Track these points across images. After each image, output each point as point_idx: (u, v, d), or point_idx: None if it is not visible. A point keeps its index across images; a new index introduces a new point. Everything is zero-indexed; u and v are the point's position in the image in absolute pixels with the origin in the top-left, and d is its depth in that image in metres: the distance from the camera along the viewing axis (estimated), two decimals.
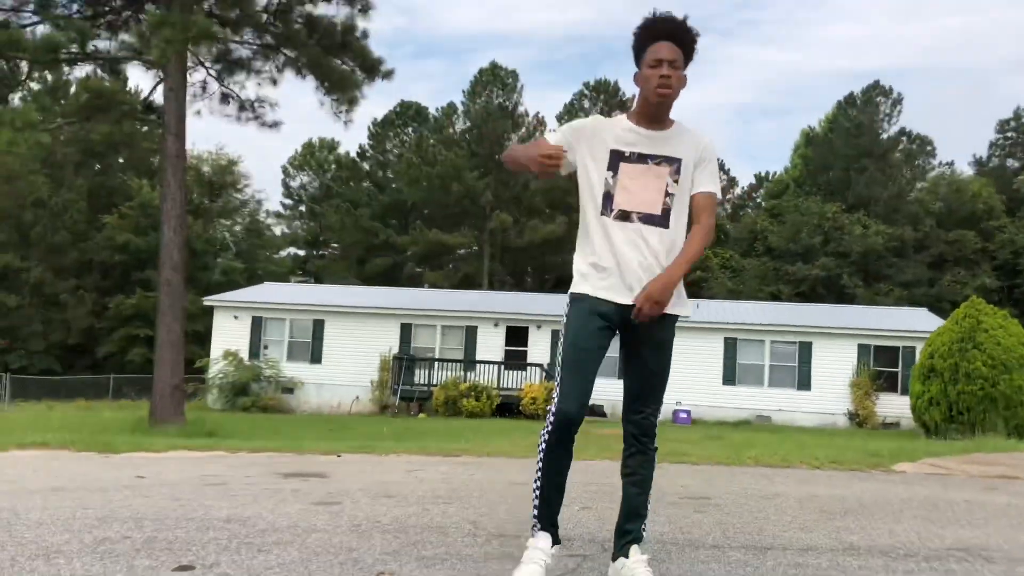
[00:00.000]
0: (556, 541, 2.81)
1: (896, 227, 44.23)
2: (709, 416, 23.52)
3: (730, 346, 24.75)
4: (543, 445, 2.79)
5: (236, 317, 26.80)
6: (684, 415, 23.38)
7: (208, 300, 28.28)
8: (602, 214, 2.81)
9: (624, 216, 2.79)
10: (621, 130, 2.86)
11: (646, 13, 2.88)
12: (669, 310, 2.80)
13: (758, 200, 56.70)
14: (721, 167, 55.18)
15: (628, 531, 2.83)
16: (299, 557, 3.13)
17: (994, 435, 15.06)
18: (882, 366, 23.99)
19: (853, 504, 5.08)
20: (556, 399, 2.75)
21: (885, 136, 49.99)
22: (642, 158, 2.81)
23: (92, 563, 2.98)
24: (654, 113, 2.85)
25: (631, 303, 2.74)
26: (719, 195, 2.93)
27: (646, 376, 2.86)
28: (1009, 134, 53.65)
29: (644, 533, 2.85)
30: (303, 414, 24.44)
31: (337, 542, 3.42)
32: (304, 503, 4.44)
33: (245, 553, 3.18)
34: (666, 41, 2.79)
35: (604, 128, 2.87)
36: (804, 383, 24.28)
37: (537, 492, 2.80)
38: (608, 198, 2.81)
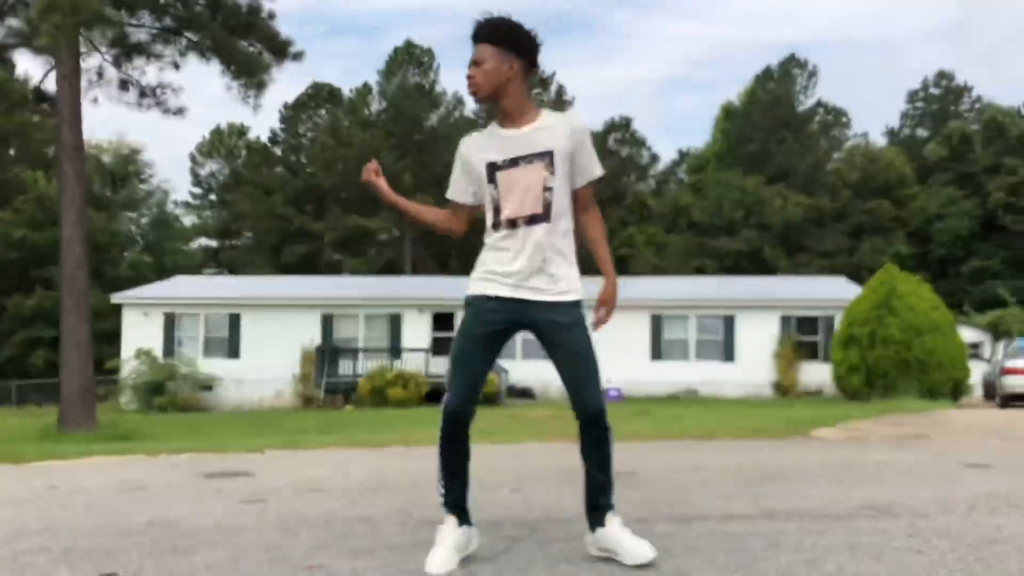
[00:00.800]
0: (464, 522, 2.93)
1: (815, 198, 45.38)
2: (639, 392, 23.63)
3: (656, 322, 24.90)
4: (439, 439, 2.92)
5: (146, 314, 25.77)
6: (614, 393, 23.42)
7: (116, 297, 27.09)
8: (494, 229, 2.90)
9: (512, 224, 2.87)
10: (489, 138, 2.93)
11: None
12: (561, 298, 2.88)
13: (680, 175, 57.46)
14: (642, 143, 55.80)
15: (599, 504, 2.93)
16: (226, 556, 3.08)
17: (909, 397, 15.51)
18: (804, 335, 24.46)
19: (773, 472, 5.12)
20: (445, 398, 2.88)
21: (802, 109, 51.15)
22: (513, 162, 2.86)
23: None
24: (503, 112, 2.91)
25: (531, 299, 2.86)
26: (599, 172, 2.96)
27: (571, 360, 2.89)
28: (918, 104, 55.62)
29: (613, 501, 2.94)
30: (223, 412, 23.68)
31: (265, 539, 3.39)
32: (229, 502, 4.34)
33: (170, 557, 3.11)
34: (475, 43, 2.90)
35: (472, 145, 2.96)
36: (729, 355, 24.60)
37: (440, 481, 2.96)
38: (497, 211, 2.89)
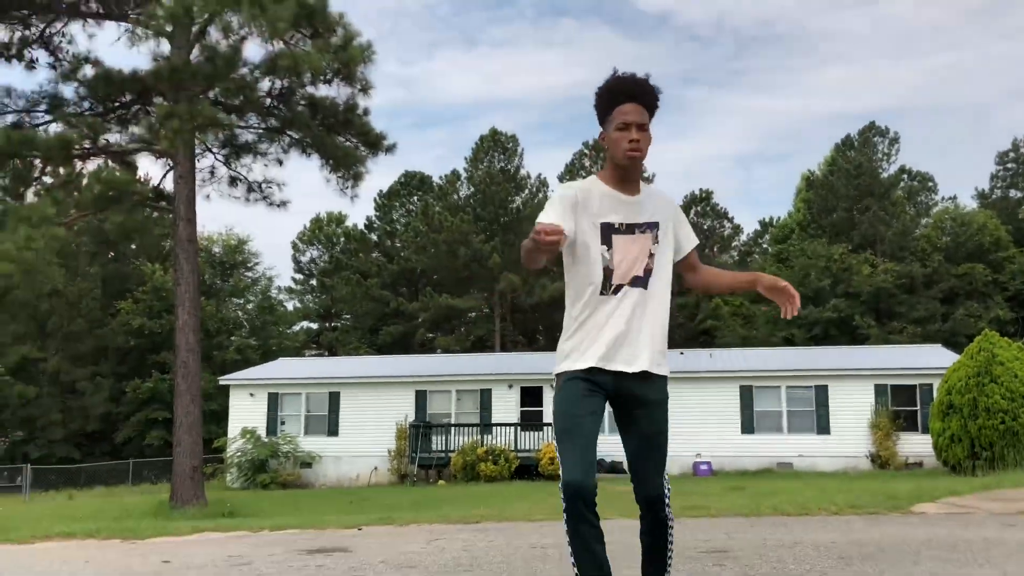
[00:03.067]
0: None
1: (904, 264, 44.30)
2: (730, 466, 23.32)
3: (746, 394, 24.63)
4: (566, 526, 2.67)
5: (252, 394, 26.93)
6: (704, 467, 23.20)
7: (224, 379, 28.47)
8: (602, 293, 2.79)
9: (618, 290, 2.79)
10: (602, 197, 2.81)
11: (608, 74, 2.85)
12: (655, 370, 2.80)
13: (764, 246, 56.92)
14: (724, 215, 55.86)
15: None
16: None
17: (1016, 470, 14.91)
18: (900, 405, 23.80)
19: (872, 549, 5.10)
20: (561, 474, 2.67)
21: (885, 175, 50.39)
22: (630, 228, 2.81)
23: None
24: (626, 175, 2.83)
25: (623, 370, 2.76)
26: (696, 239, 3.07)
27: (642, 440, 2.81)
28: (1009, 165, 54.03)
29: None
30: (323, 488, 24.35)
31: None
32: None
33: None
34: (631, 102, 2.77)
35: (589, 198, 2.81)
36: (823, 427, 24.08)
37: (576, 573, 2.70)
38: (608, 274, 2.79)
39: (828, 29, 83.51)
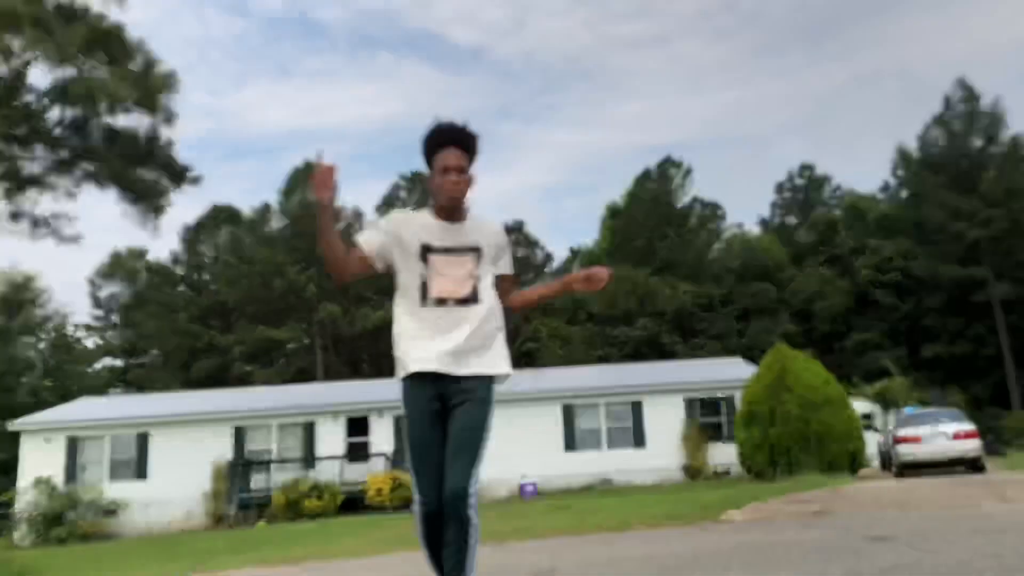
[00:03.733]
0: None
1: (702, 286, 47.75)
2: (554, 485, 23.84)
3: (568, 412, 25.33)
4: (420, 539, 3.00)
5: (48, 440, 24.65)
6: (530, 488, 23.61)
7: (13, 425, 25.84)
8: (422, 306, 3.06)
9: (441, 302, 3.06)
10: (426, 224, 3.13)
11: (430, 122, 3.14)
12: (487, 370, 3.03)
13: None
14: (535, 243, 58.02)
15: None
16: None
17: (810, 472, 16.22)
18: (708, 416, 25.23)
19: (687, 560, 5.39)
20: (415, 496, 2.96)
21: (680, 205, 54.53)
22: (448, 251, 3.10)
23: None
24: (450, 214, 3.15)
25: (456, 373, 2.99)
26: (512, 270, 3.32)
27: (455, 432, 2.93)
28: (786, 194, 59.81)
29: None
30: (130, 538, 22.64)
31: None
32: None
33: None
34: (451, 148, 3.08)
35: (410, 223, 3.12)
36: (639, 441, 25.12)
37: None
38: (424, 288, 3.07)
39: (628, 66, 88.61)
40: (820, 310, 47.49)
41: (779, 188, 59.93)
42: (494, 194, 78.36)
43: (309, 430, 25.12)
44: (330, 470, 23.42)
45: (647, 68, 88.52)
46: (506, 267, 3.25)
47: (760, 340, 43.78)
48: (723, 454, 23.82)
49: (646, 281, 47.45)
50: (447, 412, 2.98)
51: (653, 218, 52.11)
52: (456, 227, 3.13)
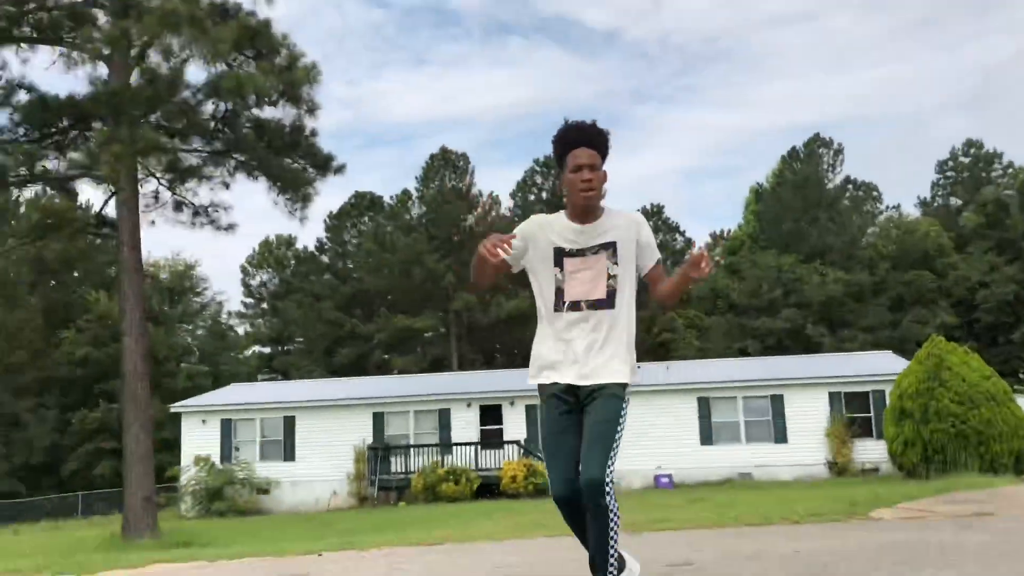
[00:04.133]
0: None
1: (853, 273, 45.23)
2: (690, 478, 23.41)
3: (704, 405, 24.81)
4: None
5: (204, 421, 26.37)
6: (666, 480, 23.26)
7: (175, 407, 27.83)
8: (556, 310, 3.08)
9: (575, 306, 3.05)
10: (561, 228, 3.12)
11: (559, 124, 3.14)
12: (610, 379, 3.00)
13: (715, 258, 57.68)
14: (675, 228, 56.44)
15: (592, 563, 2.99)
16: None
17: (969, 472, 15.19)
18: (855, 412, 24.16)
19: (833, 557, 5.12)
20: (551, 489, 3.00)
21: (831, 186, 51.47)
22: (581, 251, 3.08)
23: None
24: (584, 212, 3.11)
25: (579, 383, 3.01)
26: (659, 256, 3.21)
27: (590, 425, 2.94)
28: (948, 173, 55.62)
29: (611, 573, 2.95)
30: (281, 514, 23.89)
31: None
32: None
33: None
34: (582, 147, 3.05)
35: (546, 227, 3.13)
36: (780, 436, 24.34)
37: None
38: (560, 293, 3.08)
39: (771, 44, 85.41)
40: (985, 299, 44.11)
41: (941, 167, 55.90)
42: (630, 178, 77.59)
43: (444, 417, 25.68)
44: (465, 456, 23.86)
45: (792, 46, 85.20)
46: (650, 256, 3.18)
47: (914, 332, 41.32)
48: (871, 451, 22.77)
49: (792, 268, 45.55)
50: (581, 407, 3.04)
51: (801, 201, 49.61)
52: (591, 227, 3.11)
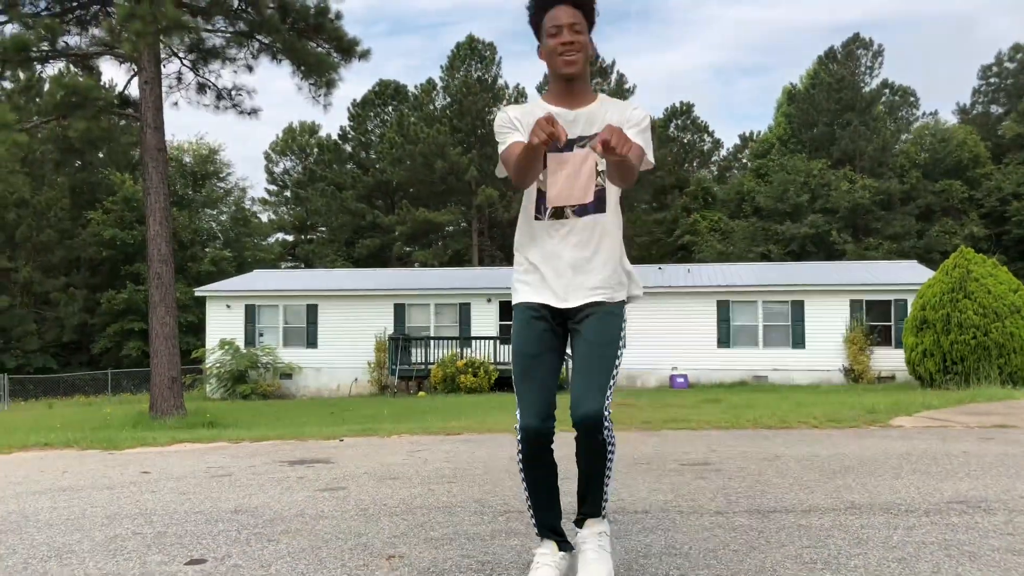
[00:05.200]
0: (564, 548, 2.56)
1: (882, 181, 44.35)
2: (706, 379, 23.68)
3: (723, 308, 24.84)
4: (519, 463, 2.53)
5: (229, 306, 26.77)
6: (681, 379, 23.53)
7: (199, 291, 28.25)
8: (536, 218, 2.57)
9: (558, 214, 2.54)
10: (540, 113, 2.45)
11: None
12: (605, 297, 2.53)
13: (743, 160, 56.71)
14: (704, 128, 55.16)
15: (583, 499, 2.58)
16: (309, 545, 3.16)
17: (988, 384, 15.22)
18: (875, 320, 24.14)
19: (853, 462, 5.14)
20: (518, 415, 2.49)
21: (867, 89, 49.92)
22: (568, 146, 2.51)
23: (105, 561, 3.00)
24: (568, 88, 2.57)
25: (576, 304, 2.52)
26: (651, 162, 2.57)
27: (583, 350, 2.48)
28: (992, 80, 53.60)
29: (604, 509, 2.57)
30: (303, 399, 24.52)
31: (345, 527, 3.45)
32: (310, 490, 4.47)
33: (255, 544, 3.21)
34: (561, 6, 2.51)
35: (528, 116, 2.55)
36: (798, 341, 24.42)
37: (528, 504, 2.58)
38: (541, 197, 2.56)
39: None
40: (1017, 212, 43.15)
41: (984, 73, 53.78)
42: (658, 73, 75.56)
43: (465, 311, 25.92)
44: (484, 349, 24.20)
45: None
46: (644, 158, 2.54)
47: (941, 243, 40.82)
48: (889, 359, 22.88)
49: (821, 173, 44.71)
50: (566, 330, 2.57)
51: (835, 103, 48.20)
52: (579, 114, 2.54)
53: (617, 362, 2.48)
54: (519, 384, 2.52)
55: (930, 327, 17.69)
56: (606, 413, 2.41)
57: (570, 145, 2.52)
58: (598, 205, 2.54)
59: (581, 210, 2.53)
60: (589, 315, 2.51)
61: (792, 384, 22.70)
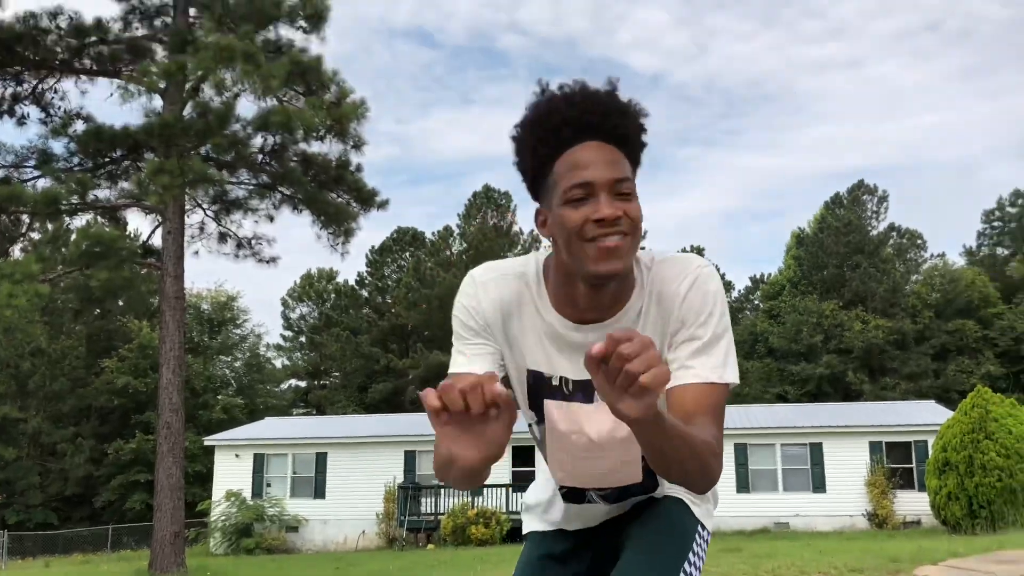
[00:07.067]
0: None
1: (895, 320, 44.41)
2: (726, 526, 22.88)
3: (740, 451, 24.32)
4: None
5: (237, 455, 26.42)
6: None
7: (209, 440, 27.97)
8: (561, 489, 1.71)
9: (576, 496, 1.68)
10: (542, 327, 1.55)
11: (536, 90, 1.52)
12: (665, 492, 1.67)
13: (755, 302, 57.13)
14: (716, 271, 55.74)
15: None
16: None
17: (1017, 529, 14.68)
18: (895, 462, 23.53)
19: None
20: None
21: (874, 232, 50.86)
22: (583, 386, 1.51)
23: None
24: (590, 292, 1.47)
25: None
26: (730, 379, 1.50)
27: (631, 543, 1.62)
28: (995, 223, 54.78)
29: None
30: (309, 553, 23.76)
31: None
32: None
33: None
34: (590, 140, 1.43)
35: (511, 315, 1.60)
36: (819, 485, 23.76)
37: None
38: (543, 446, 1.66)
39: (815, 90, 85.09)
40: None
41: (987, 216, 55.13)
42: (670, 219, 77.45)
43: None
44: (496, 498, 23.59)
45: (838, 91, 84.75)
46: (689, 363, 1.47)
47: (958, 382, 40.35)
48: (913, 503, 22.14)
49: (833, 314, 44.86)
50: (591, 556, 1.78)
51: (843, 246, 49.04)
52: (597, 328, 1.48)
53: (688, 567, 1.55)
54: None
55: (952, 469, 17.23)
56: None
57: (590, 394, 1.51)
58: (649, 484, 1.60)
59: (617, 495, 1.63)
60: (643, 507, 1.67)
61: (814, 530, 21.90)
